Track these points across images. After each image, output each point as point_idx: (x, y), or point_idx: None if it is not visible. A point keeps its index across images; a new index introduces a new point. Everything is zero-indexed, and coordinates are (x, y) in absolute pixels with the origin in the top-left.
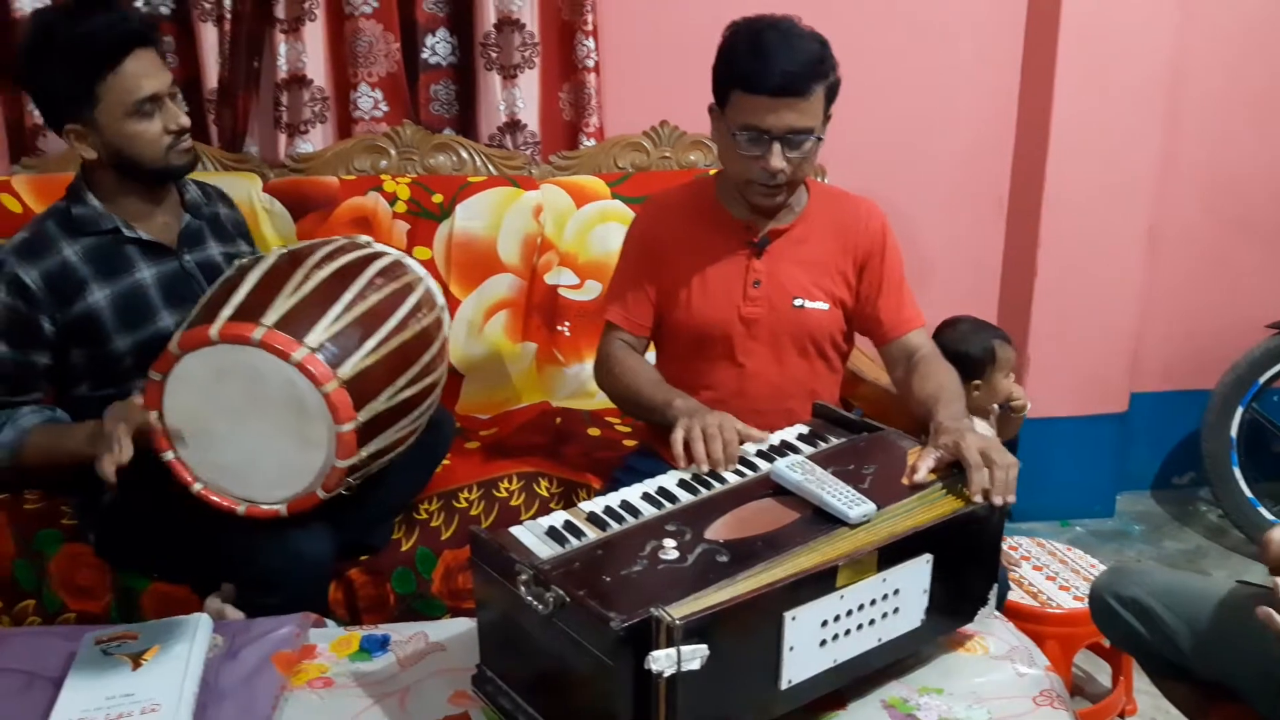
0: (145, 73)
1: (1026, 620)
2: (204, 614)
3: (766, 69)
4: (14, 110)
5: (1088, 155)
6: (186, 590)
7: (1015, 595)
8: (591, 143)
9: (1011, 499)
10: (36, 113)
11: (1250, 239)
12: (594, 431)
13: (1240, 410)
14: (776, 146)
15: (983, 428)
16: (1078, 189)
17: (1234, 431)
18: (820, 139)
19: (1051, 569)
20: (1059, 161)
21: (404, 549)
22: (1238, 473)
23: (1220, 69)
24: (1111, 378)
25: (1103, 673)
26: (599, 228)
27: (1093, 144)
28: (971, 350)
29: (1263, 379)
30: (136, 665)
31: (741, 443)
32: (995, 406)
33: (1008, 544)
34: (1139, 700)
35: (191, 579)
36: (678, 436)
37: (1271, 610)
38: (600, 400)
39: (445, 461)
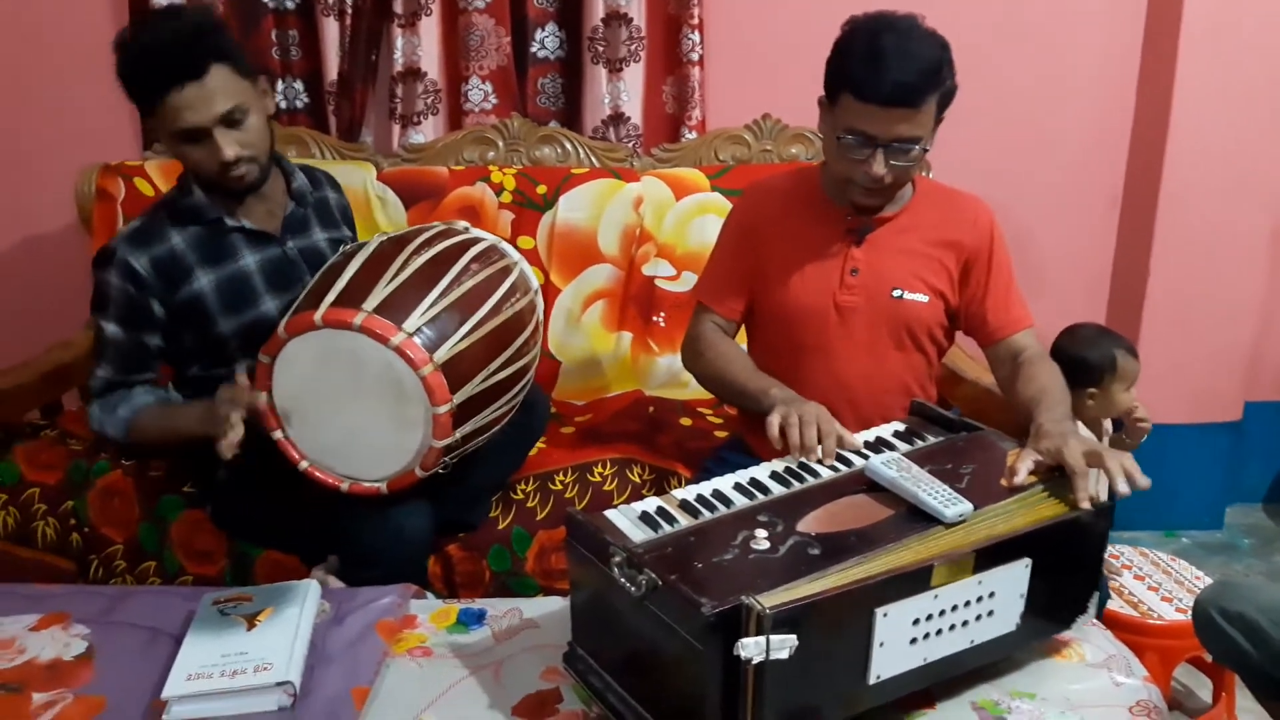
0: (187, 105)
1: (1126, 630)
2: (313, 580)
3: (879, 78)
4: None
5: (1208, 150)
6: (297, 560)
7: (1115, 604)
8: (693, 135)
9: (1143, 480)
10: None
11: None
12: (686, 421)
13: None
14: (880, 154)
15: (1088, 436)
16: (1197, 185)
17: None
18: (927, 149)
19: (1154, 579)
20: (1177, 156)
21: (500, 528)
22: None
23: None
24: (1225, 385)
25: (1203, 688)
26: (697, 220)
27: (1214, 138)
28: (1089, 356)
29: None
30: (251, 626)
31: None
32: (1109, 425)
33: (1110, 552)
34: (1241, 719)
35: (300, 550)
36: (774, 421)
37: None
38: (692, 390)
39: (541, 444)
